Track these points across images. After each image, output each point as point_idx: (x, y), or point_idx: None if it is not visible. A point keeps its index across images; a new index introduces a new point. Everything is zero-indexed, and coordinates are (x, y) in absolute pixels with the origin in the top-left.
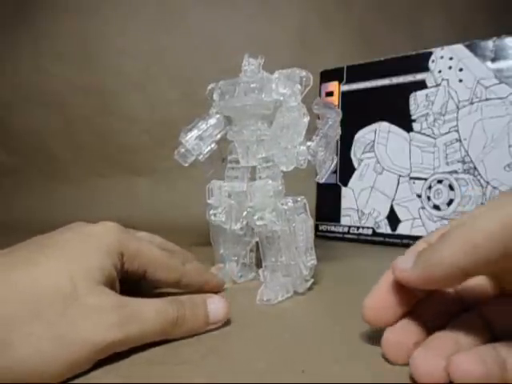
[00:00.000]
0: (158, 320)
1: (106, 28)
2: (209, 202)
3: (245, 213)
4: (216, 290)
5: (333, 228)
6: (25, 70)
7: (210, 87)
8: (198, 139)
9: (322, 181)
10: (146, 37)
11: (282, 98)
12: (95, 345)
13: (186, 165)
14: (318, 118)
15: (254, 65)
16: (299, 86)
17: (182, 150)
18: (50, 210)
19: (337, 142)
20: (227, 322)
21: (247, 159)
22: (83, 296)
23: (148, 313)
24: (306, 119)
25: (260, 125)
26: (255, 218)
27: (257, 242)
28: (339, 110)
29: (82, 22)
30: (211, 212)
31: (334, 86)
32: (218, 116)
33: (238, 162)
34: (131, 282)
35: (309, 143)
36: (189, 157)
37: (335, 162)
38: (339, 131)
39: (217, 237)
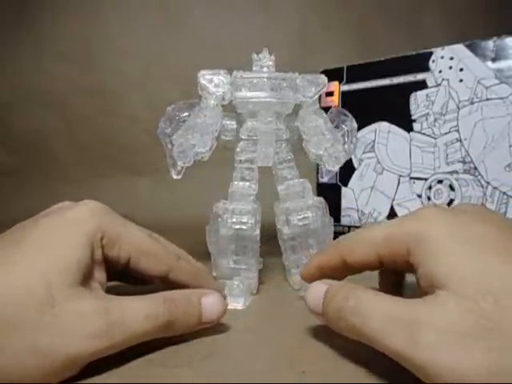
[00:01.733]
0: (147, 325)
1: (108, 28)
2: (230, 207)
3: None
4: None
5: (333, 228)
6: (26, 70)
7: (202, 73)
8: (199, 134)
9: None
10: (147, 37)
11: (304, 100)
12: (76, 355)
13: (189, 164)
14: None
15: (272, 61)
16: (318, 91)
17: (181, 146)
18: None
19: None
20: (227, 324)
21: (268, 159)
22: (60, 302)
23: (136, 317)
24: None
25: (279, 124)
26: (298, 217)
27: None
28: (353, 119)
29: (83, 22)
30: (235, 219)
31: (334, 85)
32: (216, 108)
33: (252, 161)
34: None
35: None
36: (189, 155)
37: None
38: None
39: (228, 247)
